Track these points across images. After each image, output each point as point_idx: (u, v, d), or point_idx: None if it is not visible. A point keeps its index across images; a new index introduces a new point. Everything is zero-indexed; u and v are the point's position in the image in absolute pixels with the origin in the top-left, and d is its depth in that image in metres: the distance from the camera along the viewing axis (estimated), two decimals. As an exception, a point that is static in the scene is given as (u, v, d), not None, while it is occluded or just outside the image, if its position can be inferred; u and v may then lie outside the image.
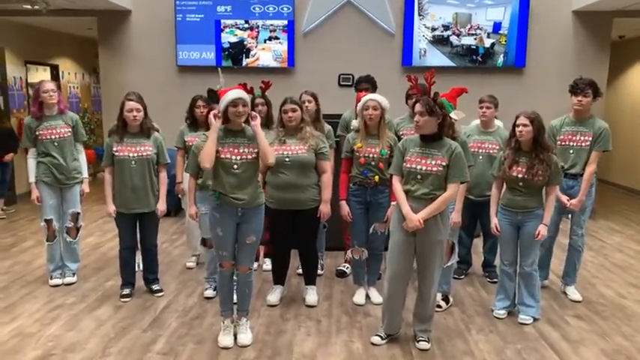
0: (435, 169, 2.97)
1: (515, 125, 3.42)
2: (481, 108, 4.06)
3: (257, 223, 3.16)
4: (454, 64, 6.64)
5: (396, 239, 3.10)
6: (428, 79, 3.02)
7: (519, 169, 3.42)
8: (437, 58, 6.65)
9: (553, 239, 4.04)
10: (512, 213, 3.50)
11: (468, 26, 6.63)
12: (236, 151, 3.07)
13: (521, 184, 3.42)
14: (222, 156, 3.05)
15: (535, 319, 3.57)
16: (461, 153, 2.99)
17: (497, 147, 4.02)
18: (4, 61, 7.08)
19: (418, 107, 2.93)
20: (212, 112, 3.06)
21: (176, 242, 5.44)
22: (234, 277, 3.28)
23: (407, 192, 3.04)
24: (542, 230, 3.43)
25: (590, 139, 3.78)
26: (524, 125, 3.35)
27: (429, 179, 2.98)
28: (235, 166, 3.06)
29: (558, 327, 3.52)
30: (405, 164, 3.05)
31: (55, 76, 8.56)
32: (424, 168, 2.98)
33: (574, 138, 3.85)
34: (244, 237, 3.15)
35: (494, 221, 3.57)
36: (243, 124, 3.13)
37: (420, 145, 3.03)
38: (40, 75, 8.11)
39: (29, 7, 6.06)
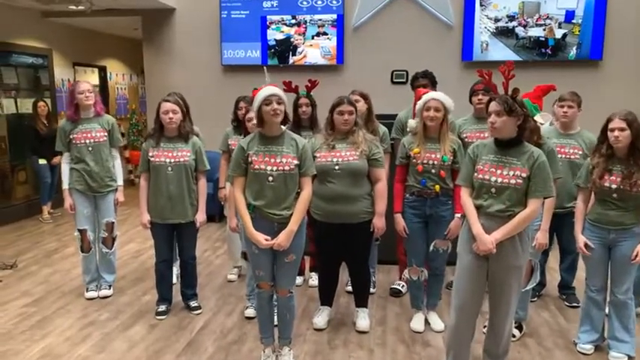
0: (512, 181, 2.47)
1: (607, 129, 2.87)
2: (562, 107, 3.49)
3: (297, 240, 2.77)
4: (520, 58, 6.00)
5: (464, 263, 2.62)
6: (505, 72, 2.52)
7: (613, 178, 2.86)
8: (500, 51, 6.05)
9: None
10: (604, 230, 2.94)
11: (536, 16, 5.99)
12: (272, 160, 2.69)
13: (615, 195, 2.87)
14: (257, 166, 2.69)
15: (630, 358, 3.00)
16: (545, 162, 2.47)
17: (580, 152, 3.48)
18: (52, 64, 7.07)
19: (494, 106, 2.44)
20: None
21: (218, 251, 5.15)
22: (274, 298, 2.92)
23: (478, 208, 2.55)
24: (643, 252, 2.87)
25: None
26: (621, 129, 2.80)
27: (505, 193, 2.48)
28: (271, 178, 2.69)
29: (659, 368, 2.95)
30: (476, 174, 2.56)
31: (103, 78, 8.53)
32: (500, 180, 2.49)
33: None
34: (283, 255, 2.77)
35: (582, 240, 3.02)
36: (283, 128, 2.76)
37: (495, 151, 2.53)
38: (88, 77, 8.07)
39: (74, 7, 5.96)
